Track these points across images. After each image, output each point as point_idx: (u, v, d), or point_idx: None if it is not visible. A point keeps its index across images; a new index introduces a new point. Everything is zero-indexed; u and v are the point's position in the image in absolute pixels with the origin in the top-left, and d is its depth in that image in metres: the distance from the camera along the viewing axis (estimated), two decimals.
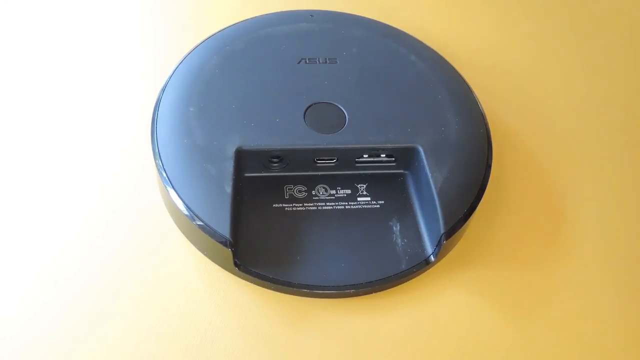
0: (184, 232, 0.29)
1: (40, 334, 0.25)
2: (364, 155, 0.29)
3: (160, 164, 0.28)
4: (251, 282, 0.27)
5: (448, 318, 0.27)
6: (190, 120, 0.29)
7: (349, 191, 0.29)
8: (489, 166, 0.30)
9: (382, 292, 0.28)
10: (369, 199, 0.29)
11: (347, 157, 0.29)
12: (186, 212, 0.27)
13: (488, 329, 0.27)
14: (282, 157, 0.29)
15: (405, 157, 0.30)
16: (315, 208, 0.29)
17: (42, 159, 0.31)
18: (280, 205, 0.29)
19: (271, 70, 0.31)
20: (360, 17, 0.35)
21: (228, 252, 0.26)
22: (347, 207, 0.29)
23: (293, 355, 0.26)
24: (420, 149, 0.29)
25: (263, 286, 0.27)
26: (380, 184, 0.30)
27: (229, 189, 0.27)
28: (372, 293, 0.27)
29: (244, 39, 0.32)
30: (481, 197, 0.29)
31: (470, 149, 0.30)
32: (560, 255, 0.30)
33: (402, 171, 0.30)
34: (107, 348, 0.25)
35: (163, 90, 0.30)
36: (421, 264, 0.27)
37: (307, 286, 0.27)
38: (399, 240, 0.28)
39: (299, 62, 0.31)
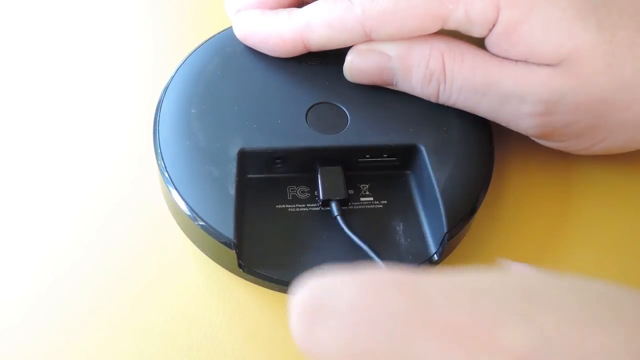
0: (186, 233, 0.29)
1: (34, 333, 0.25)
2: (366, 156, 0.29)
3: (163, 165, 0.28)
4: (254, 282, 0.27)
5: None
6: (193, 122, 0.29)
7: (351, 191, 0.29)
8: (491, 165, 0.30)
9: None
10: (371, 199, 0.29)
11: (350, 158, 0.29)
12: (189, 214, 0.27)
13: None
14: (284, 157, 0.29)
15: (408, 156, 0.30)
16: (318, 209, 0.29)
17: (42, 160, 0.31)
18: (283, 206, 0.29)
19: (273, 72, 0.31)
20: None
21: (232, 254, 0.26)
22: (350, 207, 0.29)
23: (296, 356, 0.26)
24: (423, 148, 0.29)
25: (266, 287, 0.27)
26: (383, 184, 0.30)
27: (232, 190, 0.27)
28: None
29: None
30: (484, 196, 0.29)
31: (473, 148, 0.30)
32: (562, 254, 0.30)
33: (404, 171, 0.30)
34: (107, 349, 0.25)
35: (164, 91, 0.30)
36: (425, 264, 0.28)
37: None
38: (402, 240, 0.28)
39: (300, 63, 0.31)
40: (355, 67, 0.29)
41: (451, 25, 0.26)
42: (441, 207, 0.27)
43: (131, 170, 0.31)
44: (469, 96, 0.27)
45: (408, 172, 0.30)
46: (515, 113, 0.27)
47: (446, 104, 0.29)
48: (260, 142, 0.28)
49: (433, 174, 0.28)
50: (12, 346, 0.25)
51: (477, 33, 0.27)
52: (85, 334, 0.26)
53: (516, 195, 0.32)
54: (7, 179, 0.30)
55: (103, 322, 0.26)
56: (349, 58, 0.29)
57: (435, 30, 0.27)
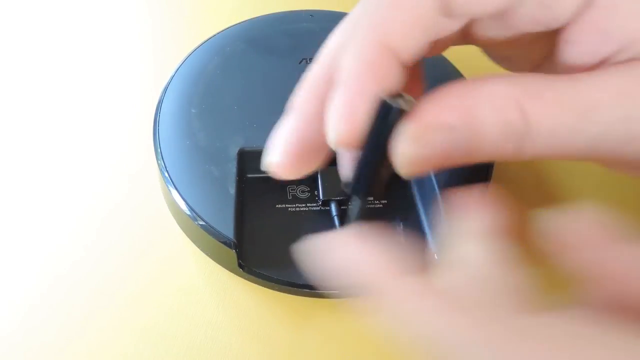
0: (186, 233, 0.29)
1: (34, 333, 0.25)
2: None
3: (163, 165, 0.28)
4: (254, 282, 0.27)
5: None
6: (192, 122, 0.29)
7: None
8: (491, 165, 0.30)
9: None
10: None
11: None
12: (189, 213, 0.27)
13: None
14: None
15: None
16: (318, 208, 0.29)
17: (44, 160, 0.31)
18: (283, 205, 0.29)
19: (272, 71, 0.31)
20: None
21: (232, 254, 0.26)
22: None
23: (296, 356, 0.26)
24: None
25: (266, 286, 0.27)
26: None
27: (232, 190, 0.27)
28: None
29: (245, 40, 0.32)
30: None
31: None
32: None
33: None
34: (107, 348, 0.25)
35: (164, 91, 0.30)
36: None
37: (310, 286, 0.27)
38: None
39: (300, 62, 0.31)
40: (413, 158, 0.19)
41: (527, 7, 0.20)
42: (441, 207, 0.27)
43: (131, 170, 0.31)
44: (563, 139, 0.19)
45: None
46: (630, 140, 0.19)
47: (534, 159, 0.21)
48: (260, 141, 0.28)
49: (433, 174, 0.28)
50: (13, 346, 0.25)
51: (563, 8, 0.20)
52: (86, 334, 0.26)
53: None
54: (7, 178, 0.30)
55: (103, 322, 0.26)
56: (400, 150, 0.19)
57: None
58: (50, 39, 0.37)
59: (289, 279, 0.27)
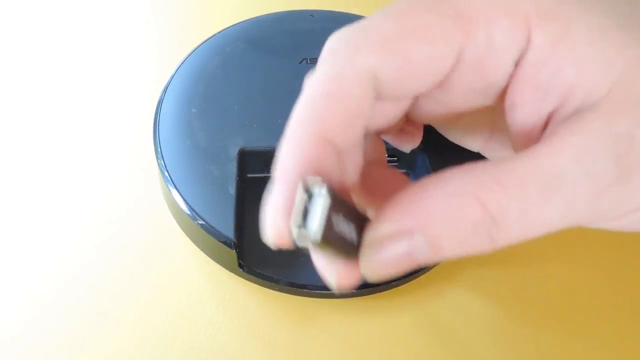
0: (187, 233, 0.29)
1: (41, 334, 0.26)
2: None
3: (163, 165, 0.28)
4: (254, 282, 0.27)
5: (449, 318, 0.27)
6: (193, 121, 0.29)
7: None
8: None
9: (384, 292, 0.28)
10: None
11: None
12: (189, 213, 0.27)
13: (489, 328, 0.27)
14: None
15: (408, 156, 0.30)
16: None
17: (44, 160, 0.31)
18: None
19: (272, 71, 0.31)
20: (361, 17, 0.35)
21: (232, 254, 0.26)
22: None
23: (296, 356, 0.26)
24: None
25: (266, 287, 0.27)
26: None
27: (232, 189, 0.27)
28: (374, 293, 0.28)
29: (245, 39, 0.32)
30: None
31: None
32: (560, 253, 0.30)
33: (405, 171, 0.30)
34: (108, 348, 0.25)
35: (165, 91, 0.30)
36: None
37: (309, 287, 0.27)
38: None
39: (300, 62, 0.31)
40: (376, 266, 0.19)
41: (468, 57, 0.19)
42: None
43: (131, 170, 0.31)
44: (536, 218, 0.19)
45: (409, 172, 0.30)
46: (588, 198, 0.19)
47: (515, 244, 0.20)
48: (260, 141, 0.28)
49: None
50: (19, 347, 0.25)
51: (495, 72, 0.19)
52: (84, 334, 0.26)
53: None
54: (8, 179, 0.30)
55: (102, 322, 0.26)
56: (363, 259, 0.19)
57: (446, 66, 0.19)
58: (51, 39, 0.37)
59: (289, 279, 0.27)
